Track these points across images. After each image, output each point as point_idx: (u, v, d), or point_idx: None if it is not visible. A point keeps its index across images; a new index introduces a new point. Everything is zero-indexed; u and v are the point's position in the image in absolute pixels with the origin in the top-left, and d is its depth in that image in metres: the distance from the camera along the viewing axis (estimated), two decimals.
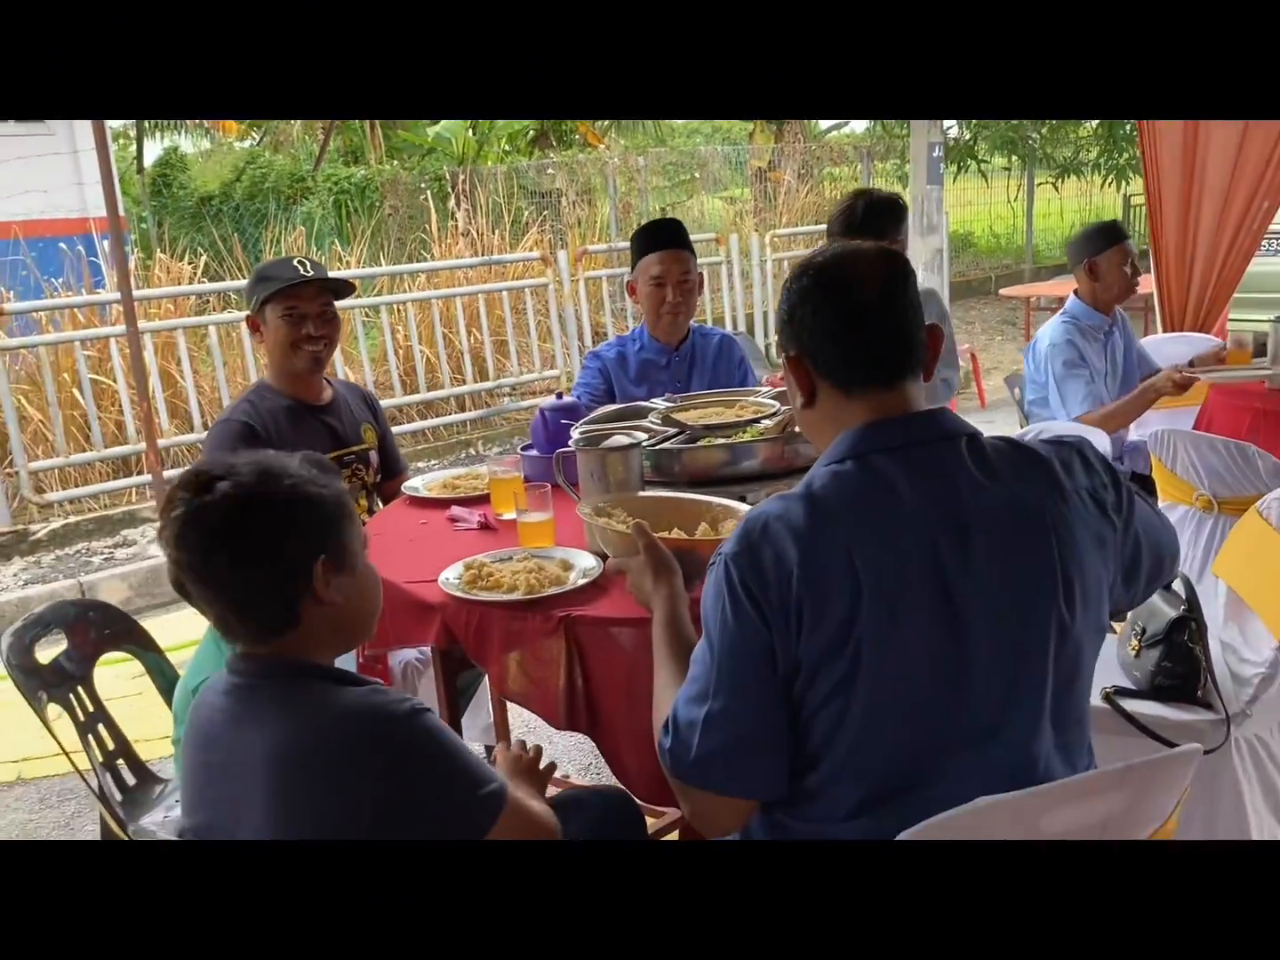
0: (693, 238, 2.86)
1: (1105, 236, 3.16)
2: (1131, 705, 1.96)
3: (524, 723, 3.11)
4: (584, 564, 1.79)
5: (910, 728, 1.17)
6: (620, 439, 1.96)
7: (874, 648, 1.14)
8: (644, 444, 1.97)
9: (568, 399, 2.44)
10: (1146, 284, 4.74)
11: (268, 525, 1.21)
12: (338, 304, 2.51)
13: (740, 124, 14.66)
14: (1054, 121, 11.61)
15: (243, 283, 5.22)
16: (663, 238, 2.77)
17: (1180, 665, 1.98)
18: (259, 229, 9.87)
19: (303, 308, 2.41)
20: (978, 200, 13.65)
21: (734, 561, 1.19)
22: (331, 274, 2.54)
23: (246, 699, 1.25)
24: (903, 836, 1.08)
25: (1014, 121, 11.31)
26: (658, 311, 2.78)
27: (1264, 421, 2.90)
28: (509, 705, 2.58)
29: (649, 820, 1.97)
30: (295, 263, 2.43)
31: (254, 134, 17.09)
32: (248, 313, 2.50)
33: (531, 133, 14.41)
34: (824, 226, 3.22)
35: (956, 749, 1.18)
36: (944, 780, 1.17)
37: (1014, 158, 12.82)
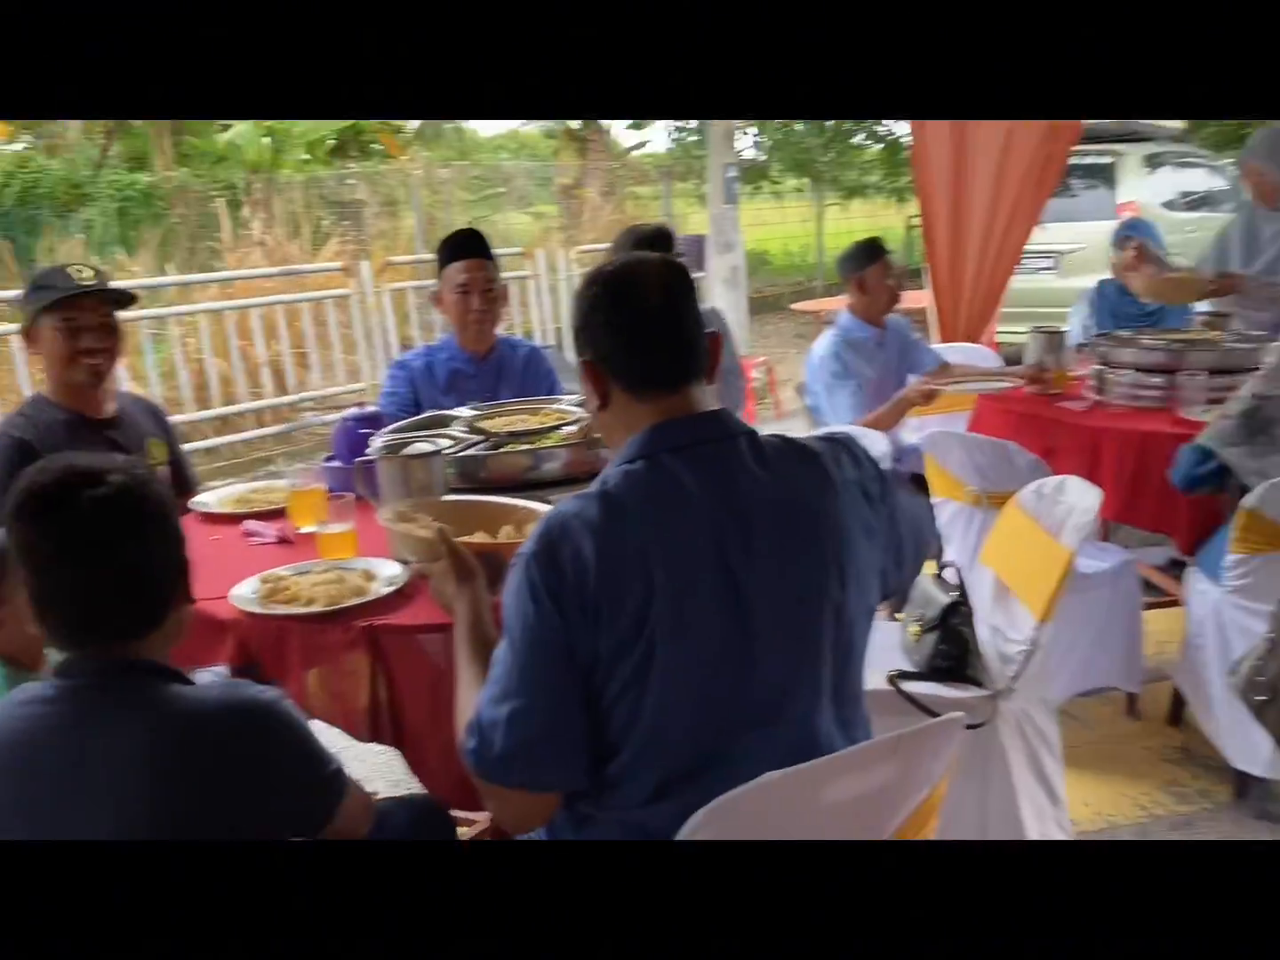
0: (500, 252, 2.90)
1: (868, 254, 3.41)
2: (912, 686, 2.11)
3: (328, 741, 3.03)
4: (387, 573, 1.78)
5: (702, 713, 1.23)
6: (422, 446, 1.97)
7: (665, 638, 1.20)
8: (447, 451, 1.99)
9: (370, 408, 2.42)
10: (924, 298, 5.10)
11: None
12: (121, 315, 2.39)
13: (546, 141, 14.79)
14: (841, 145, 12.27)
15: (15, 293, 4.87)
16: (467, 247, 2.79)
17: (954, 647, 2.15)
18: (32, 237, 9.21)
19: (81, 319, 2.29)
20: (773, 220, 14.26)
21: (534, 560, 1.22)
22: (113, 284, 2.42)
23: (94, 700, 1.20)
24: (690, 822, 1.13)
25: (804, 145, 11.89)
26: (464, 319, 2.80)
27: (1023, 423, 3.17)
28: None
29: (460, 828, 1.97)
30: (72, 271, 2.31)
31: (26, 136, 15.90)
32: (20, 325, 2.35)
33: (331, 142, 14.05)
34: None
35: (746, 730, 1.25)
36: (735, 760, 1.23)
37: (805, 180, 13.46)
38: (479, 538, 1.67)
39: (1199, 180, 8.92)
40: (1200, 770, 2.74)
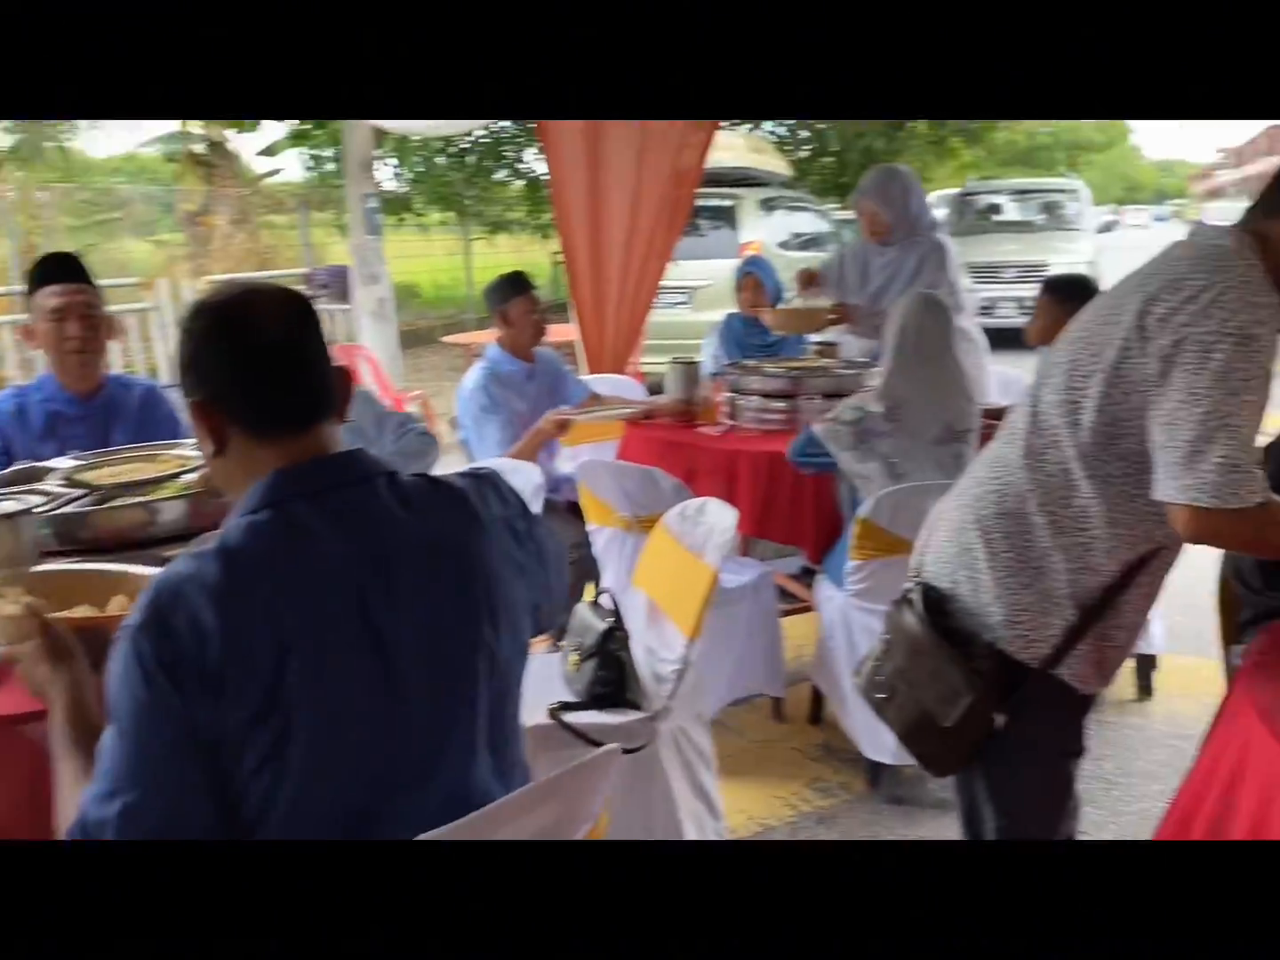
0: (116, 281, 2.61)
1: (511, 287, 3.43)
2: (574, 717, 2.11)
3: None
4: None
5: (349, 779, 1.14)
6: (7, 505, 1.70)
7: (304, 705, 1.09)
8: (38, 508, 1.73)
9: None
10: (571, 331, 5.23)
11: None
12: None
13: (168, 165, 13.72)
14: (484, 180, 12.40)
15: None
16: (59, 270, 2.48)
17: (611, 673, 2.18)
18: None
19: None
20: (419, 253, 14.14)
21: (141, 632, 1.07)
22: None
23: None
24: None
25: (446, 178, 11.89)
26: (60, 351, 2.48)
27: (667, 449, 3.32)
28: None
29: None
30: None
31: None
32: None
33: None
34: (265, 273, 3.10)
35: (397, 792, 1.17)
36: (387, 825, 1.15)
37: (450, 213, 13.48)
38: (82, 611, 1.46)
39: (808, 222, 9.91)
40: (840, 765, 2.97)
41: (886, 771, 2.78)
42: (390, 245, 11.19)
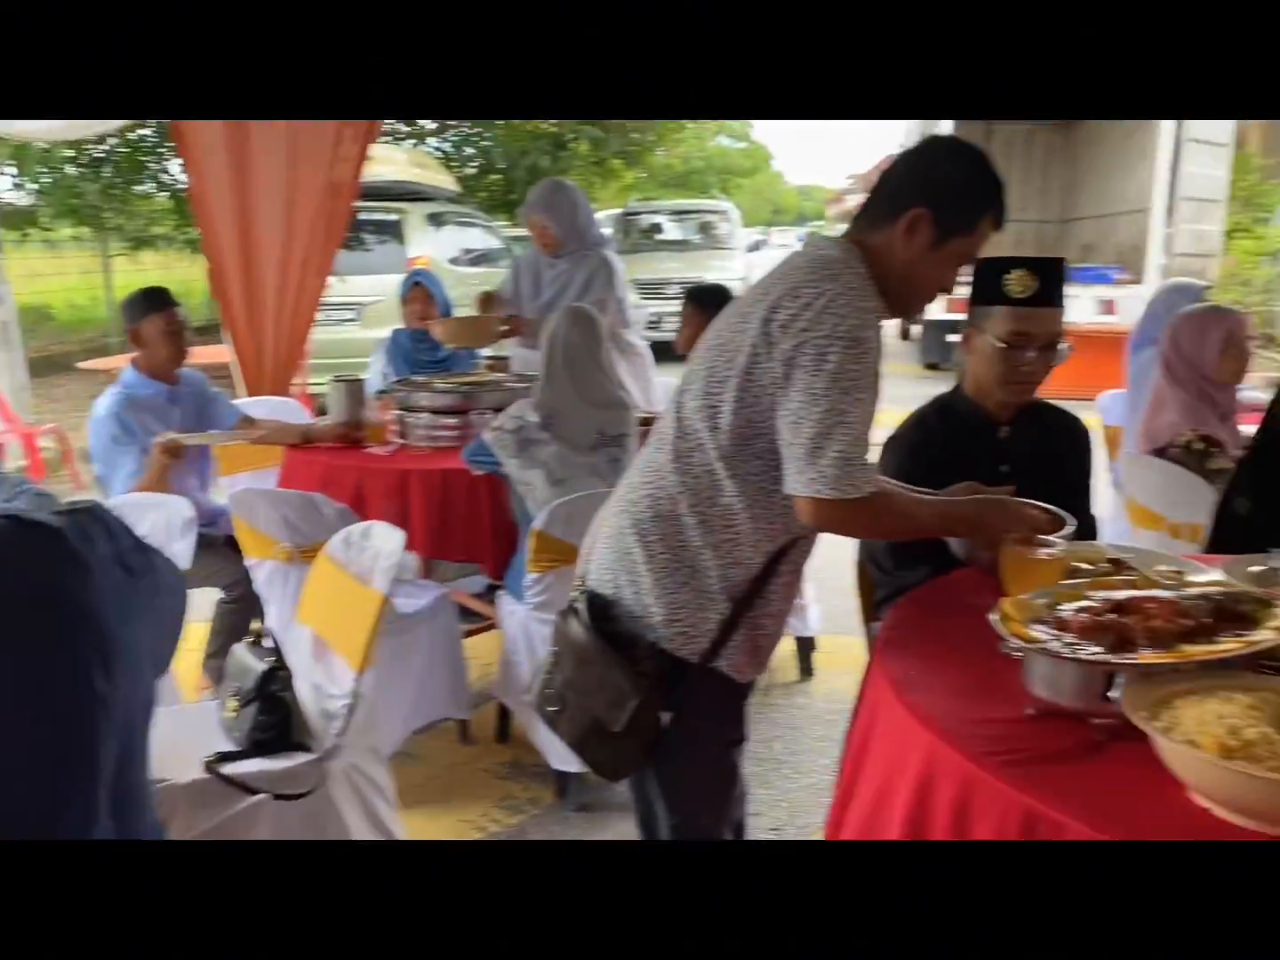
0: None
1: (145, 303, 3.14)
2: (235, 767, 1.94)
3: None
4: None
5: None
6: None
7: None
8: None
9: None
10: (226, 352, 4.88)
11: None
12: None
13: None
14: (123, 192, 11.37)
15: None
16: None
17: (274, 716, 2.03)
18: None
19: None
20: (51, 271, 12.76)
21: None
22: None
23: None
24: None
25: (78, 190, 10.79)
26: None
27: (332, 473, 3.16)
28: None
29: None
30: None
31: None
32: None
33: None
34: None
35: None
36: None
37: (84, 228, 12.25)
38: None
39: (478, 238, 9.91)
40: (529, 780, 2.95)
41: (574, 780, 2.79)
42: (13, 263, 10.02)
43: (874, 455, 1.75)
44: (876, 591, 2.23)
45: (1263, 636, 1.29)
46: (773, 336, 1.57)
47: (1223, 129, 10.06)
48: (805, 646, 3.64)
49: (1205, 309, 3.48)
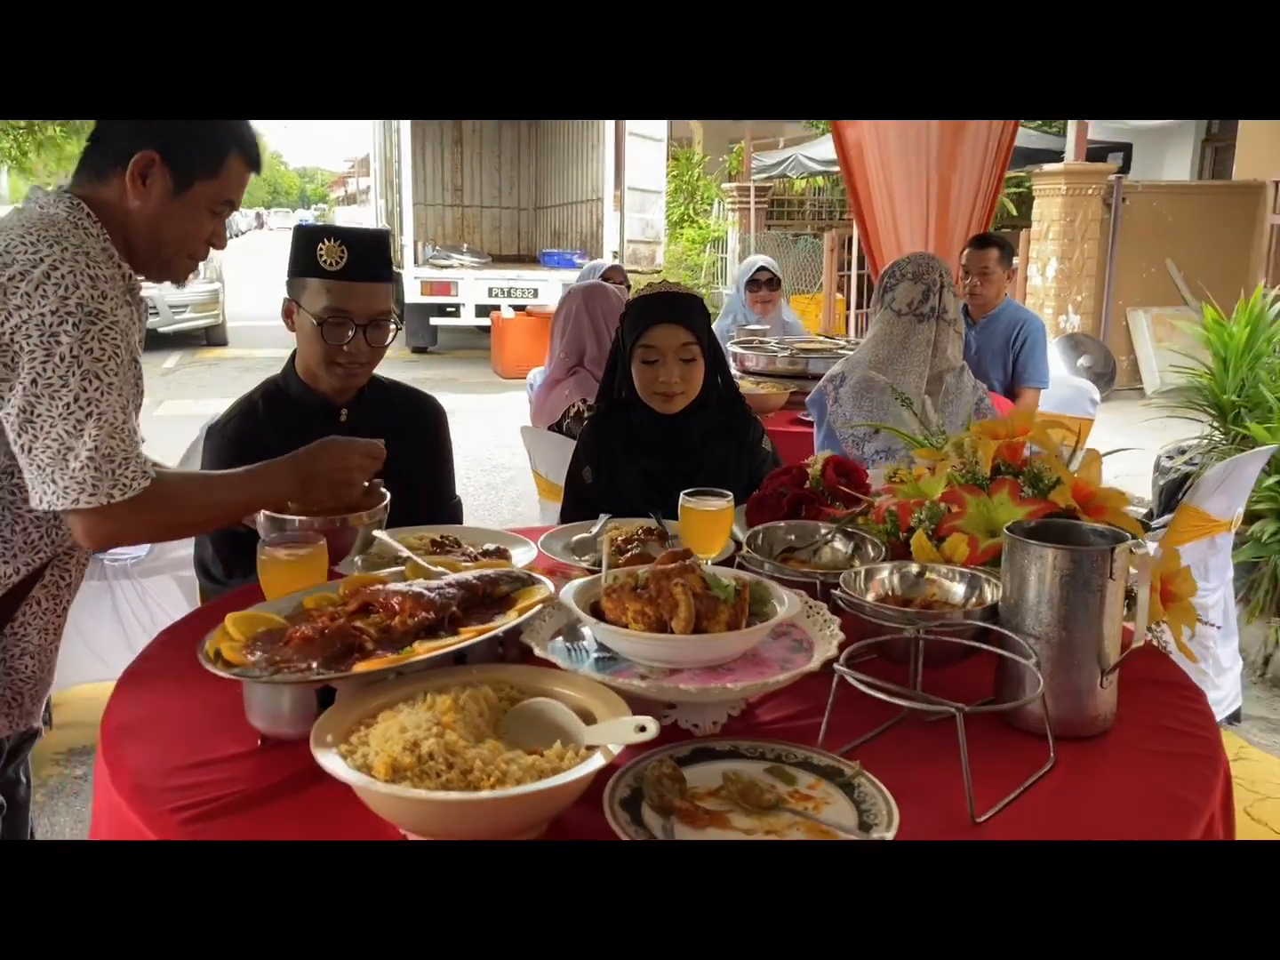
0: None
1: None
2: None
3: None
4: None
5: None
6: None
7: None
8: None
9: None
10: None
11: None
12: None
13: None
14: None
15: None
16: None
17: None
18: None
19: None
20: None
21: None
22: None
23: None
24: None
25: None
26: None
27: None
28: None
29: None
30: None
31: None
32: None
33: None
34: None
35: None
36: None
37: None
38: None
39: None
40: None
41: None
42: None
43: (151, 450, 1.48)
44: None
45: (501, 622, 1.21)
46: None
47: (659, 126, 11.01)
48: None
49: (596, 289, 3.63)
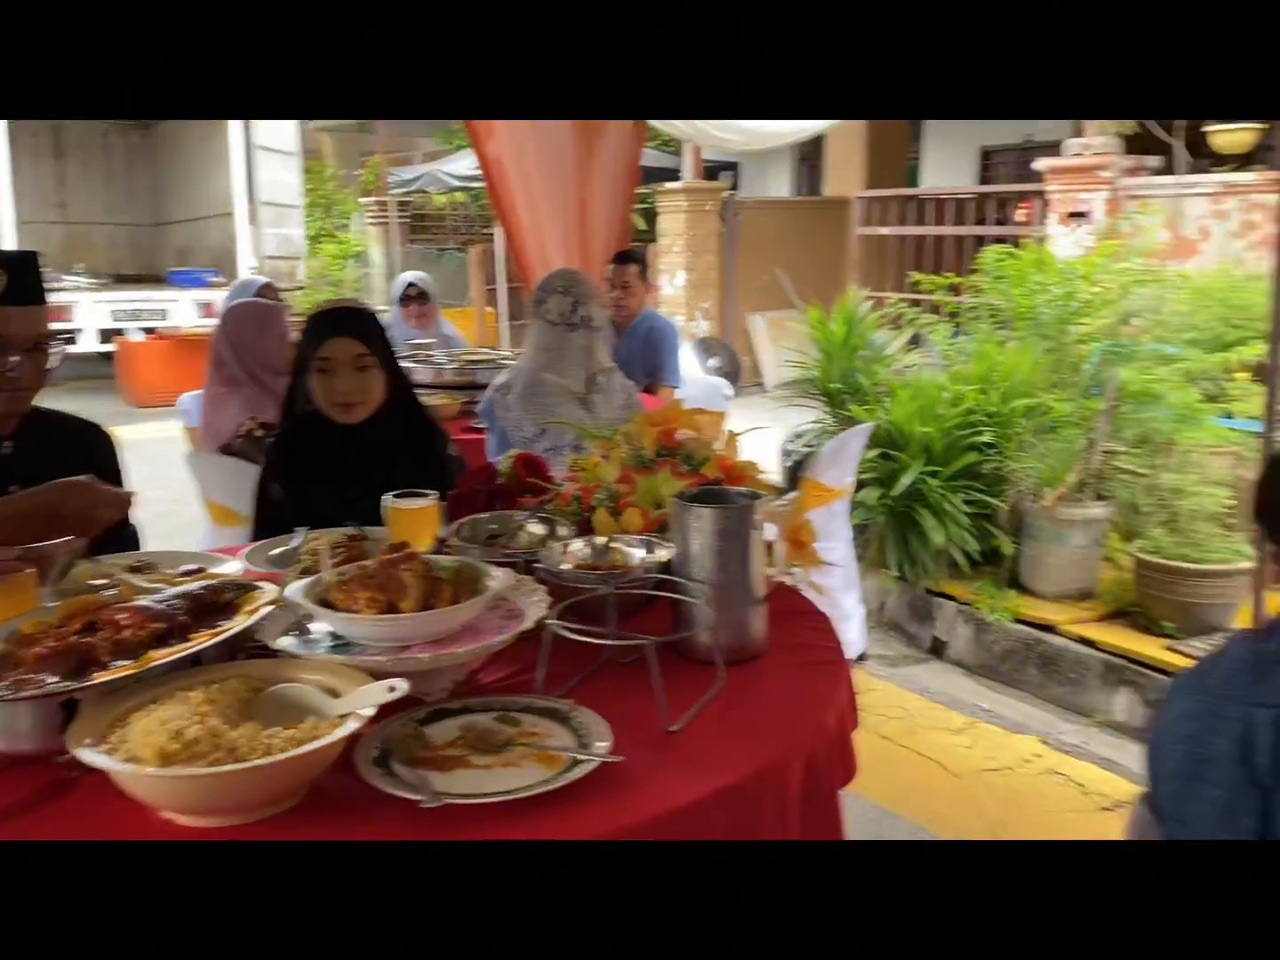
0: None
1: None
2: None
3: None
4: None
5: None
6: None
7: None
8: None
9: None
10: None
11: None
12: None
13: None
14: None
15: None
16: None
17: None
18: None
19: None
20: None
21: None
22: None
23: None
24: None
25: None
26: None
27: None
28: None
29: None
30: None
31: None
32: None
33: None
34: None
35: None
36: None
37: None
38: None
39: None
40: None
41: None
42: None
43: None
44: None
45: (232, 624, 1.28)
46: None
47: (290, 137, 10.71)
48: None
49: (263, 306, 3.59)
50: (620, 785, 1.12)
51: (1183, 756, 1.10)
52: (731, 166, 13.33)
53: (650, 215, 10.11)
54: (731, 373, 9.31)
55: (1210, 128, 5.51)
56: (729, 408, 5.20)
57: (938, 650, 4.15)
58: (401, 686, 1.10)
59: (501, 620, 1.39)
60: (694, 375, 6.04)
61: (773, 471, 5.29)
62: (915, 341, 5.31)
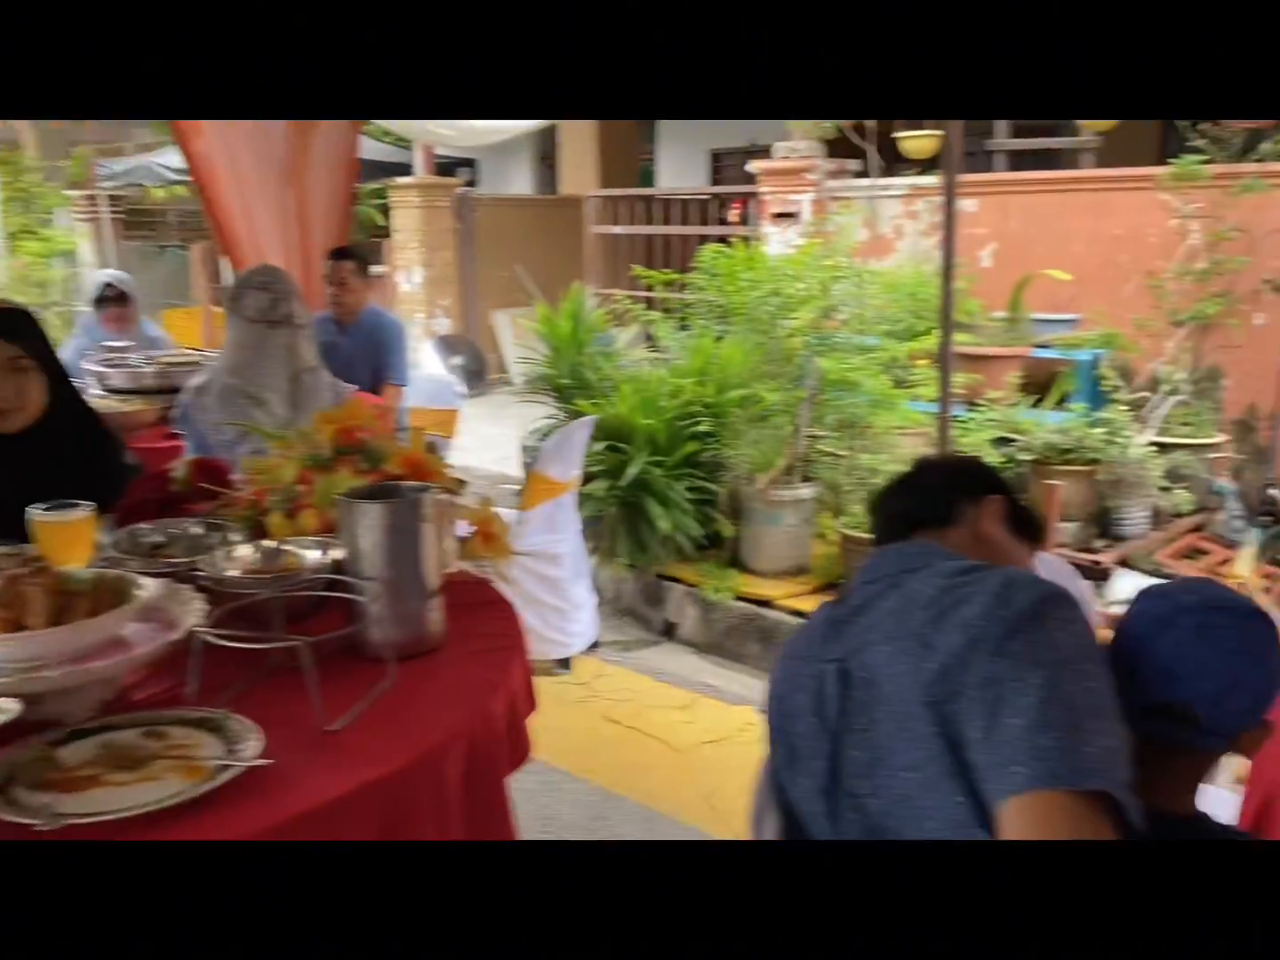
0: None
1: None
2: None
3: None
4: None
5: None
6: None
7: None
8: None
9: None
10: None
11: None
12: None
13: None
14: None
15: None
16: None
17: None
18: None
19: None
20: None
21: None
22: None
23: None
24: None
25: None
26: None
27: None
28: None
29: None
30: None
31: None
32: None
33: None
34: None
35: None
36: None
37: None
38: None
39: None
40: None
41: None
42: None
43: None
44: None
45: None
46: None
47: None
48: None
49: None
50: (269, 788, 1.11)
51: (775, 713, 1.21)
52: (470, 163, 13.24)
53: (387, 210, 9.88)
54: (477, 370, 9.25)
55: (899, 133, 5.96)
56: (461, 405, 5.18)
57: (669, 632, 4.31)
58: (13, 707, 1.03)
59: (153, 633, 1.33)
60: (429, 373, 5.96)
61: (519, 473, 5.31)
62: (649, 338, 5.48)
